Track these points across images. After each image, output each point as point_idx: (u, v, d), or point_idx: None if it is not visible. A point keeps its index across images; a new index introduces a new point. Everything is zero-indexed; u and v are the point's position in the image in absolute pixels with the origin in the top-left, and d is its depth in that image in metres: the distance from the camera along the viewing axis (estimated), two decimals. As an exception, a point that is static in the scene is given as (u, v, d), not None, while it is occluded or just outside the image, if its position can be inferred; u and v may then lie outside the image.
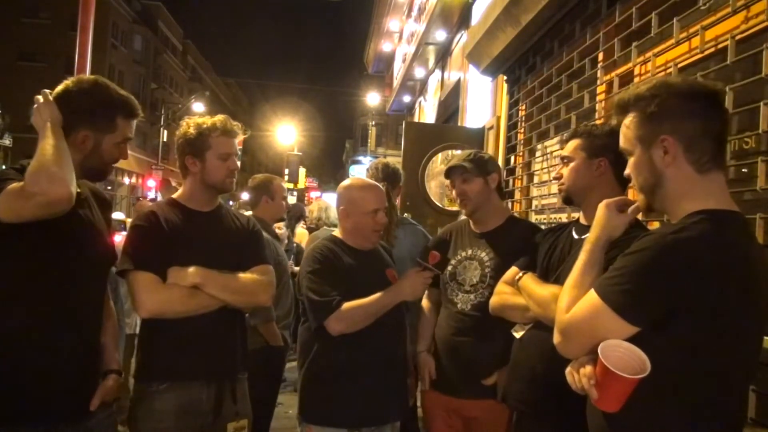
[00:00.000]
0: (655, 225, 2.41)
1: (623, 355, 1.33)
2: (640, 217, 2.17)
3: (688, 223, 1.36)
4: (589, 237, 1.62)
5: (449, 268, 2.59)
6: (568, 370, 1.47)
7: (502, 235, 2.55)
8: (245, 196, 6.30)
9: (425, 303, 2.76)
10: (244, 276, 2.24)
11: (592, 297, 1.40)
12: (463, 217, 2.78)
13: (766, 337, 2.01)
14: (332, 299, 2.31)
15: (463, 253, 2.59)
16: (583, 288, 1.47)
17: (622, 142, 1.52)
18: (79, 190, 1.95)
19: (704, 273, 1.30)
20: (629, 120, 1.49)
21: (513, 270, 2.19)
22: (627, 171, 1.53)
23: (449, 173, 2.64)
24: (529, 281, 2.04)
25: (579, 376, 1.42)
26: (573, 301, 1.48)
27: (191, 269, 2.13)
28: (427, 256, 2.42)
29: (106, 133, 1.94)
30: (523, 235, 2.39)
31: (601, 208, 1.63)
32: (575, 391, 1.45)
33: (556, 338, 1.50)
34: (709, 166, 1.41)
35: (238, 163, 2.40)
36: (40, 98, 1.86)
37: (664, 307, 1.32)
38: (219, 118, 2.34)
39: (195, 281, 2.12)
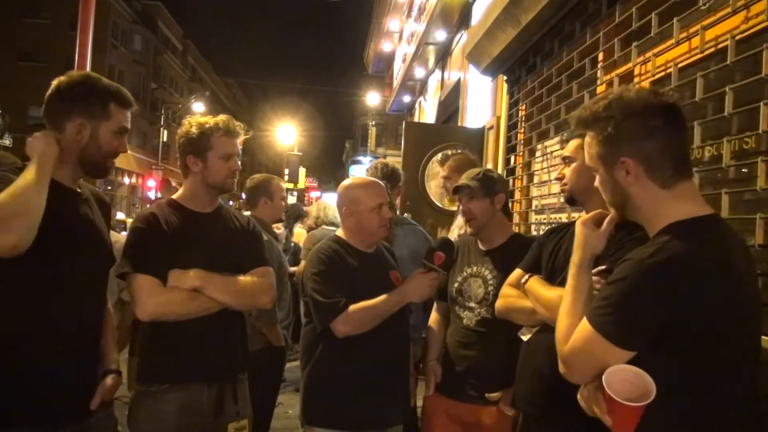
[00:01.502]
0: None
1: (627, 377, 1.35)
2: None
3: (660, 242, 1.37)
4: (573, 259, 1.63)
5: (455, 284, 2.61)
6: (578, 394, 1.49)
7: (505, 252, 2.56)
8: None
9: (434, 316, 2.79)
10: (245, 278, 2.24)
11: (585, 327, 1.43)
12: (458, 223, 2.79)
13: (765, 337, 2.01)
14: (338, 301, 2.30)
15: (468, 270, 2.61)
16: (576, 314, 1.49)
17: (587, 159, 1.54)
18: (79, 191, 1.97)
19: (685, 290, 1.31)
20: (589, 139, 1.50)
21: (518, 272, 2.18)
22: (596, 184, 1.55)
23: (456, 191, 2.67)
24: (535, 284, 2.04)
25: (590, 404, 1.44)
26: (569, 330, 1.49)
27: (192, 272, 2.13)
28: (432, 257, 2.41)
29: (102, 120, 1.93)
30: (524, 251, 2.35)
31: (578, 226, 1.65)
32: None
33: (561, 368, 1.52)
34: (674, 180, 1.42)
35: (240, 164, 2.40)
36: (38, 134, 1.85)
37: (653, 329, 1.34)
38: (221, 117, 2.33)
39: (196, 284, 2.12)
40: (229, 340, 2.28)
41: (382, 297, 2.32)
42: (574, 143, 2.08)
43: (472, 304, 2.53)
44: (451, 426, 2.55)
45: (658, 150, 1.41)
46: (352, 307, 2.29)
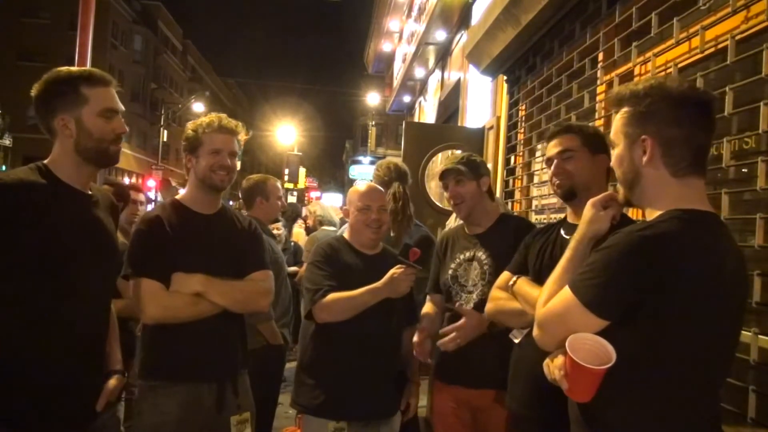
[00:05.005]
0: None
1: (591, 347, 1.38)
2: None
3: (656, 221, 1.42)
4: (576, 234, 1.69)
5: (449, 272, 2.62)
6: (545, 362, 1.53)
7: (496, 233, 2.61)
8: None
9: (429, 307, 2.78)
10: (245, 283, 2.29)
11: (565, 291, 1.46)
12: (451, 223, 2.80)
13: (763, 337, 2.01)
14: (320, 289, 2.44)
15: (462, 256, 2.62)
16: (563, 283, 1.52)
17: (611, 134, 1.58)
18: (90, 192, 1.97)
19: (667, 269, 1.34)
20: (620, 114, 1.54)
21: (506, 275, 2.19)
22: (611, 162, 1.59)
23: (443, 176, 2.69)
24: (523, 285, 2.06)
25: (552, 367, 1.48)
26: (551, 295, 1.54)
27: (195, 277, 2.16)
28: (407, 253, 2.49)
29: (80, 107, 1.88)
30: (516, 227, 2.50)
31: (588, 206, 1.71)
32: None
33: (534, 331, 1.56)
34: (687, 171, 1.46)
35: (238, 163, 2.39)
36: None
37: (629, 301, 1.37)
38: (214, 115, 2.36)
39: (198, 289, 2.15)
40: (229, 339, 2.31)
41: (360, 289, 2.42)
42: (569, 139, 2.10)
43: (469, 288, 2.55)
44: (460, 411, 2.55)
45: (680, 138, 1.45)
46: (330, 296, 2.42)
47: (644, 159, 1.47)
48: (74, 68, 1.97)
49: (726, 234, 1.47)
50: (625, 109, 1.53)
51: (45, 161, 1.91)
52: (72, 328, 1.84)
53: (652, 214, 1.48)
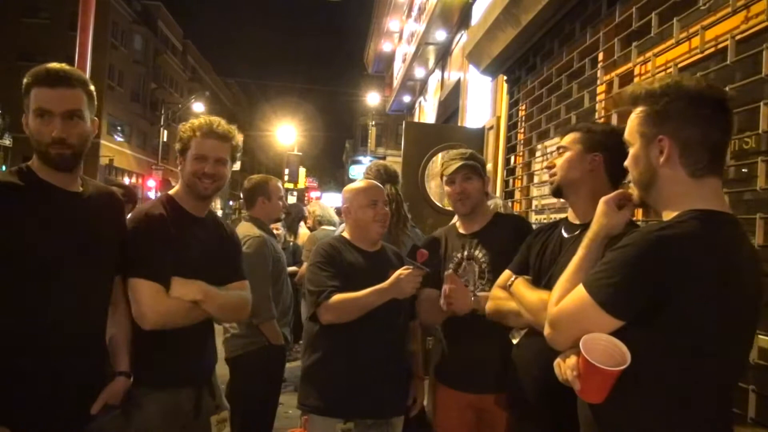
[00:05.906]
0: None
1: (605, 347, 1.36)
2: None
3: (674, 221, 1.39)
4: (588, 233, 1.66)
5: (448, 271, 2.60)
6: (556, 361, 1.51)
7: (491, 231, 2.61)
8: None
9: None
10: (234, 294, 2.28)
11: (579, 290, 1.44)
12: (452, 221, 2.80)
13: (763, 337, 2.01)
14: (324, 290, 2.43)
15: (459, 255, 2.62)
16: (576, 282, 1.50)
17: (626, 134, 1.55)
18: (81, 190, 1.95)
19: (684, 270, 1.32)
20: (636, 113, 1.51)
21: (506, 274, 2.19)
22: (626, 162, 1.56)
23: (456, 171, 2.61)
24: (520, 286, 2.04)
25: (564, 368, 1.46)
26: (564, 294, 1.52)
27: (195, 284, 2.12)
28: (415, 254, 2.49)
29: (28, 108, 1.86)
30: (515, 226, 2.49)
31: (601, 204, 1.67)
32: (573, 396, 1.47)
33: (546, 330, 1.54)
34: (704, 171, 1.43)
35: (237, 165, 2.36)
36: None
37: (645, 301, 1.35)
38: (207, 118, 2.29)
39: (197, 298, 2.12)
40: (206, 344, 2.30)
41: (366, 290, 2.40)
42: (571, 136, 2.08)
43: (470, 287, 2.53)
44: (463, 413, 2.54)
45: (698, 138, 1.42)
46: (336, 297, 2.41)
47: (661, 159, 1.44)
48: (44, 66, 1.89)
49: (742, 235, 1.45)
50: (640, 109, 1.49)
51: (29, 162, 1.90)
52: (60, 327, 1.81)
53: (668, 215, 1.45)
